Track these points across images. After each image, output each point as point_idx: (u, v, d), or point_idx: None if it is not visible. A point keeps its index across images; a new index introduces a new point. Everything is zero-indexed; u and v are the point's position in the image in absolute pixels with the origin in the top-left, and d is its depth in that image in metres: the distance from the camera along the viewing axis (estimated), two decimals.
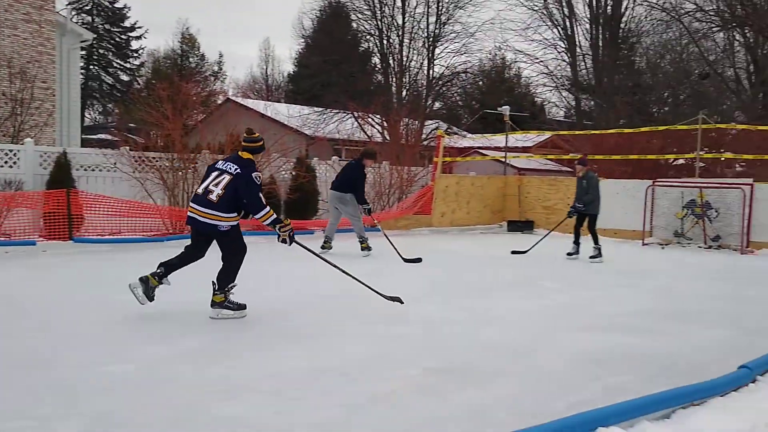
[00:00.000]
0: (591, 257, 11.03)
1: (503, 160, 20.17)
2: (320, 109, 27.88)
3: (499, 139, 21.56)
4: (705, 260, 11.47)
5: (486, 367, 4.60)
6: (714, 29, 28.32)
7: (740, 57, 29.04)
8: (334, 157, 17.08)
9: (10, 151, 11.60)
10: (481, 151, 24.40)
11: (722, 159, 17.24)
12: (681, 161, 19.38)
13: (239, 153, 5.92)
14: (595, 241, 11.18)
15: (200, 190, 5.82)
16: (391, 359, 4.70)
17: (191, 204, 5.89)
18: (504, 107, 19.72)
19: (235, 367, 4.39)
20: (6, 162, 11.43)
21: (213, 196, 5.68)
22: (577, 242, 11.29)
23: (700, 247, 13.60)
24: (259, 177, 5.94)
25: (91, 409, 3.55)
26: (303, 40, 39.53)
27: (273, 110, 26.02)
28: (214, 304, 5.79)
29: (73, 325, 5.44)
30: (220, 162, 6.00)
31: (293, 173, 14.67)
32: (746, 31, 27.42)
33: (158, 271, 5.78)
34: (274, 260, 9.64)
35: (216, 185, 5.73)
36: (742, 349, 4.90)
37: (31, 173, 11.60)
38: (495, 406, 3.79)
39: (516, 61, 37.27)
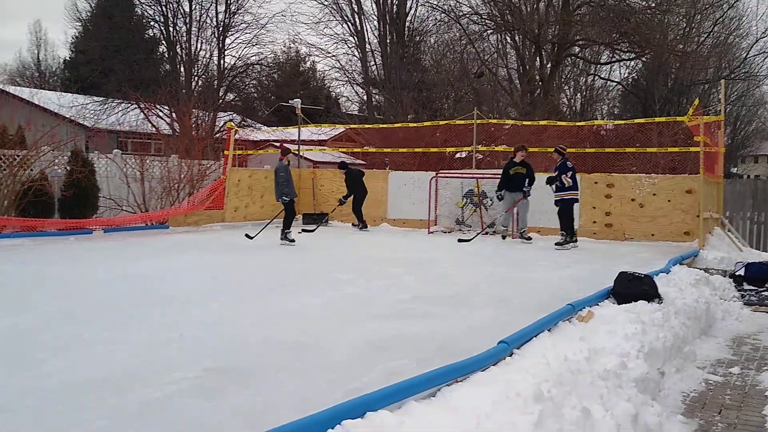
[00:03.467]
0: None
1: (297, 153, 20.22)
2: (100, 98, 25.93)
3: (294, 132, 21.60)
4: (481, 246, 12.40)
5: (270, 364, 4.55)
6: (488, 32, 30.81)
7: (512, 58, 31.93)
8: (115, 150, 15.97)
9: None
10: (276, 144, 24.27)
11: (498, 150, 18.74)
12: (464, 154, 20.83)
13: None
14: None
15: None
16: (167, 364, 4.46)
17: None
18: (295, 100, 19.77)
19: None
20: None
21: None
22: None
23: (478, 233, 14.71)
24: None
25: None
26: (79, 24, 36.52)
27: (42, 98, 23.67)
28: None
29: None
30: None
31: (68, 168, 13.48)
32: (515, 34, 30.17)
33: None
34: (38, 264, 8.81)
35: None
36: (506, 326, 5.35)
37: None
38: (277, 402, 3.74)
39: (310, 55, 37.66)
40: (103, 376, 4.18)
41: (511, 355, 4.26)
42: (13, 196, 12.27)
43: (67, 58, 40.05)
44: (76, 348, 4.85)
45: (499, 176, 13.27)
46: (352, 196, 15.09)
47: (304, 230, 13.22)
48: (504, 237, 13.13)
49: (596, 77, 36.75)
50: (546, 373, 3.82)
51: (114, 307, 6.31)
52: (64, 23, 72.00)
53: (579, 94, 38.45)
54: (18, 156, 12.52)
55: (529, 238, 12.96)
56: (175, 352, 4.79)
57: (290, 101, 21.46)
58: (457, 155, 21.26)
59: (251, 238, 12.13)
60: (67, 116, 22.67)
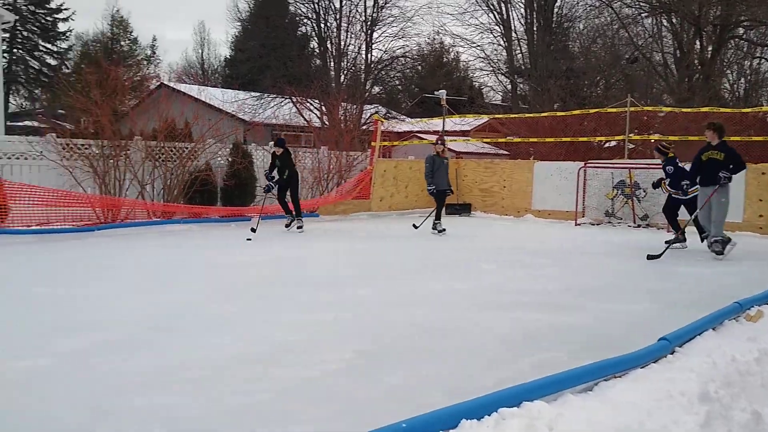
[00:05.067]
0: (433, 229, 11.92)
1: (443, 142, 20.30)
2: (257, 93, 27.48)
3: (437, 123, 21.72)
4: (632, 239, 11.84)
5: (417, 347, 4.65)
6: (643, 15, 29.18)
7: (667, 42, 30.04)
8: (271, 143, 16.87)
9: None
10: (419, 135, 24.53)
11: (651, 140, 17.78)
12: (613, 143, 19.95)
13: None
14: (438, 217, 12.06)
15: None
16: (321, 343, 4.69)
17: None
18: (440, 91, 19.84)
19: (162, 356, 4.30)
20: None
21: None
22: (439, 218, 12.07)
23: (629, 226, 14.05)
24: None
25: (8, 404, 3.43)
26: (239, 24, 38.86)
27: (208, 95, 25.49)
28: None
29: None
30: None
31: (229, 159, 14.44)
32: (672, 17, 28.33)
33: None
34: (201, 248, 9.52)
35: None
36: (660, 322, 5.09)
37: None
38: (425, 385, 3.83)
39: (454, 46, 37.63)
40: (264, 351, 4.47)
41: (672, 353, 4.05)
42: (182, 185, 13.35)
43: (228, 57, 42.81)
44: (239, 325, 5.21)
45: (654, 166, 12.53)
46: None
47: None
48: (719, 252, 9.23)
49: (762, 60, 33.65)
50: (712, 373, 3.60)
51: (269, 289, 6.71)
52: (225, 23, 77.10)
53: (743, 79, 35.41)
54: (187, 148, 13.59)
55: (724, 245, 9.27)
56: (327, 332, 5.02)
57: (435, 92, 21.58)
58: (607, 144, 20.40)
59: (416, 227, 12.16)
60: (228, 111, 24.28)
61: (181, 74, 46.79)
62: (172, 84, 30.03)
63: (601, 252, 10.13)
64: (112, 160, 12.45)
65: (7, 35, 34.61)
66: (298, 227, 11.95)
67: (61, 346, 4.47)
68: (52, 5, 41.85)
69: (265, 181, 12.34)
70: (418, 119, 25.35)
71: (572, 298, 6.43)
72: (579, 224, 14.44)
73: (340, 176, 16.39)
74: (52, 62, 42.13)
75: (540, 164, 16.35)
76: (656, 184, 11.00)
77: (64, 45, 43.17)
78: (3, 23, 18.21)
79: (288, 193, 12.25)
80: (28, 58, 41.50)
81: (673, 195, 10.51)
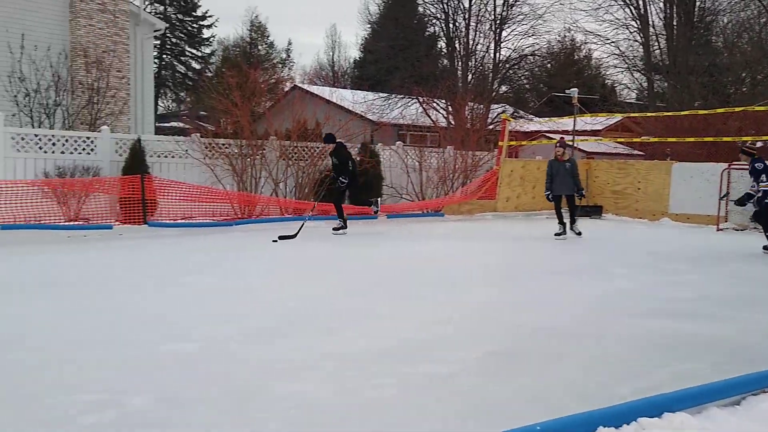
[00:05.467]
0: (556, 235, 11.33)
1: (571, 143, 19.74)
2: (385, 94, 27.92)
3: (567, 123, 21.09)
4: None
5: (547, 351, 4.56)
6: None
7: None
8: (398, 142, 17.10)
9: (88, 138, 12.12)
10: (548, 135, 23.93)
11: None
12: (759, 143, 18.50)
13: None
14: (573, 220, 11.59)
15: None
16: (447, 342, 4.71)
17: None
18: (572, 89, 19.24)
19: (297, 348, 4.49)
20: (84, 149, 11.95)
21: None
22: (562, 222, 11.47)
23: None
24: None
25: (157, 385, 3.72)
26: (369, 26, 39.67)
27: (338, 96, 26.23)
28: None
29: (143, 305, 5.69)
30: None
31: (358, 159, 14.78)
32: None
33: None
34: (332, 245, 9.80)
35: None
36: None
37: (108, 160, 12.09)
38: (557, 389, 3.75)
39: (586, 43, 36.37)
40: (392, 347, 4.55)
41: None
42: (312, 183, 13.84)
43: (357, 58, 43.88)
44: (368, 320, 5.34)
45: None
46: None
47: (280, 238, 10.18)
48: None
49: None
50: None
51: (394, 286, 6.81)
52: (356, 26, 79.02)
53: None
54: (318, 148, 14.07)
55: None
56: (453, 331, 5.03)
57: (566, 91, 20.96)
58: (756, 145, 18.93)
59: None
60: (358, 112, 24.88)
61: (313, 76, 48.48)
62: (304, 86, 31.19)
63: (743, 259, 9.44)
64: (249, 159, 13.14)
65: (158, 42, 37.34)
66: (334, 228, 11.24)
67: (208, 333, 4.79)
68: (198, 13, 44.69)
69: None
70: (547, 118, 24.74)
71: (711, 307, 6.05)
72: (721, 229, 13.53)
73: (465, 176, 16.32)
74: (197, 66, 44.99)
75: (679, 165, 15.47)
76: (743, 200, 10.34)
77: (208, 50, 46.03)
78: (155, 31, 19.67)
79: (347, 190, 11.69)
80: (175, 63, 44.57)
81: None
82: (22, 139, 11.46)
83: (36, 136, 11.71)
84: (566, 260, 9.23)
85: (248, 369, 4.02)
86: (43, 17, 17.01)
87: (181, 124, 21.55)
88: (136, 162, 11.78)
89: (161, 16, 38.05)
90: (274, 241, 9.80)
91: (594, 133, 25.64)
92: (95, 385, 3.66)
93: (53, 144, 11.69)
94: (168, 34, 40.84)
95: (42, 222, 10.40)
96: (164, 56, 43.22)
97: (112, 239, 9.83)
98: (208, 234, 10.72)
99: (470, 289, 6.69)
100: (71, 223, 10.72)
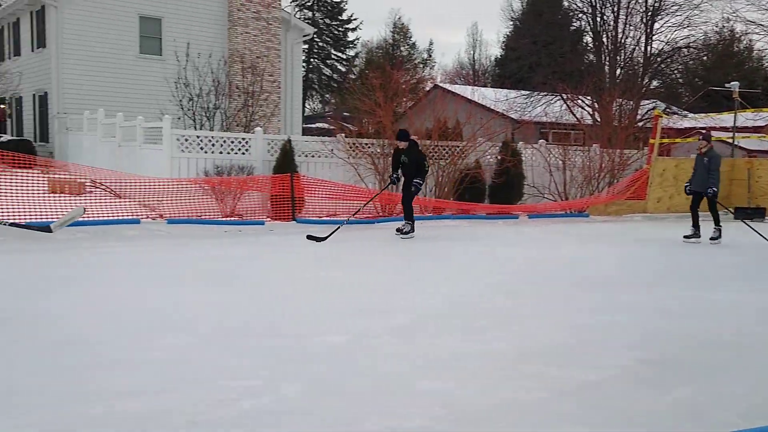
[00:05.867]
0: (711, 239, 10.48)
1: (730, 141, 18.34)
2: (527, 92, 27.36)
3: (726, 119, 19.63)
4: None
5: (703, 360, 4.28)
6: None
7: None
8: (541, 141, 16.71)
9: (243, 139, 12.91)
10: (703, 131, 22.36)
11: None
12: None
13: None
14: (716, 221, 10.57)
15: None
16: (598, 347, 4.54)
17: None
18: (733, 83, 17.89)
19: (440, 345, 4.53)
20: (240, 149, 12.75)
21: None
22: (696, 224, 10.61)
23: None
24: None
25: (308, 374, 3.89)
26: (511, 23, 39.08)
27: (479, 95, 26.03)
28: None
29: (293, 299, 5.98)
30: None
31: (498, 158, 14.62)
32: None
33: None
34: (473, 243, 9.74)
35: None
36: None
37: (261, 160, 12.82)
38: (718, 403, 3.52)
39: (747, 33, 33.56)
40: (537, 349, 4.47)
41: None
42: (452, 183, 13.86)
43: (498, 56, 43.42)
44: (516, 322, 5.27)
45: None
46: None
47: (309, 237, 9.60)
48: None
49: None
50: None
51: (543, 287, 6.66)
52: (497, 23, 78.08)
53: None
54: (458, 147, 14.07)
55: None
56: (601, 336, 4.85)
57: (726, 85, 19.51)
58: None
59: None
60: (499, 110, 24.59)
61: (454, 76, 48.51)
62: (445, 85, 31.27)
63: None
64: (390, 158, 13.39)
65: (306, 47, 38.99)
66: (405, 232, 10.18)
67: (353, 327, 4.95)
68: (344, 17, 46.19)
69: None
70: (703, 114, 23.13)
71: None
72: None
73: (612, 175, 15.64)
74: (342, 69, 46.51)
75: None
76: None
77: (352, 53, 47.46)
78: (304, 36, 20.57)
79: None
80: (321, 66, 46.34)
81: None
82: (186, 140, 12.44)
83: (198, 137, 12.66)
84: (717, 266, 8.60)
85: (392, 364, 4.10)
86: (206, 28, 18.34)
87: (326, 125, 22.34)
88: (286, 161, 12.38)
89: (309, 22, 39.72)
90: (313, 238, 9.23)
91: (756, 129, 23.63)
92: (252, 372, 3.91)
93: (212, 145, 12.58)
94: (315, 38, 42.52)
95: (202, 217, 11.21)
96: (311, 60, 45.05)
97: (264, 234, 10.39)
98: (350, 231, 11.05)
99: (619, 293, 6.40)
100: (228, 218, 11.47)
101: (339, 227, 9.94)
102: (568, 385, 3.77)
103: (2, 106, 24.84)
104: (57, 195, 11.22)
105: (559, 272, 7.64)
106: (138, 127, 13.84)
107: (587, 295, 6.30)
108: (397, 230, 10.24)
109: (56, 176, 12.73)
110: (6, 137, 20.71)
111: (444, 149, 14.11)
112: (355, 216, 10.97)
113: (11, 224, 6.81)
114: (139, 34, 20.52)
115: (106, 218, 9.94)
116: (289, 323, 5.04)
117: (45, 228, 7.29)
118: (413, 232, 10.25)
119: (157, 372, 3.84)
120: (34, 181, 10.68)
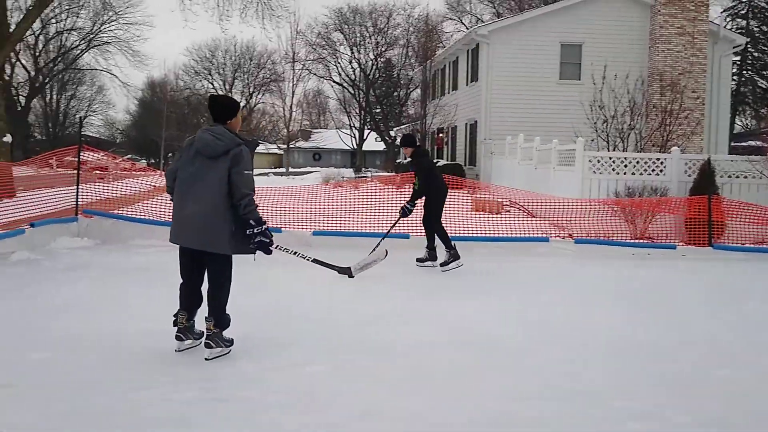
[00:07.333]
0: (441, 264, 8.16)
1: None
2: None
3: None
4: None
5: None
6: None
7: None
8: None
9: (658, 159, 12.49)
10: None
11: None
12: None
13: None
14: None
15: None
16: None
17: None
18: None
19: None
20: (653, 170, 12.37)
21: None
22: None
23: None
24: None
25: (699, 406, 3.71)
26: None
27: None
28: None
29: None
30: None
31: None
32: None
33: None
34: None
35: None
36: None
37: (676, 180, 12.24)
38: None
39: None
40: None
41: None
42: None
43: None
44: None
45: None
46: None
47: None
48: None
49: None
50: None
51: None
52: None
53: None
54: None
55: None
56: None
57: None
58: None
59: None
60: None
61: None
62: None
63: None
64: None
65: (738, 58, 35.50)
66: (441, 264, 8.12)
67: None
68: None
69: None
70: None
71: None
72: None
73: None
74: None
75: None
76: None
77: None
78: (734, 47, 18.90)
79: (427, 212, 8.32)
80: (756, 78, 41.49)
81: None
82: (598, 161, 12.61)
83: (610, 158, 12.71)
84: None
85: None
86: (624, 48, 18.27)
87: (758, 143, 19.97)
88: (704, 182, 11.56)
89: (742, 31, 36.01)
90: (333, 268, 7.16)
91: None
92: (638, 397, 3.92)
93: (624, 166, 12.49)
94: (749, 48, 38.30)
95: (610, 238, 11.19)
96: (744, 71, 40.68)
97: (674, 258, 9.91)
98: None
99: None
100: (637, 240, 11.22)
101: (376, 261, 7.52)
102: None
103: (440, 135, 28.56)
104: (477, 213, 12.49)
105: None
106: (553, 150, 14.51)
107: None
108: (441, 265, 8.17)
109: (479, 196, 14.16)
110: (442, 162, 23.78)
111: None
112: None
113: (314, 261, 6.75)
114: (560, 61, 21.42)
115: (518, 235, 10.71)
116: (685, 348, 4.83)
117: (346, 270, 7.08)
118: (459, 259, 8.11)
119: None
120: (461, 200, 12.09)
